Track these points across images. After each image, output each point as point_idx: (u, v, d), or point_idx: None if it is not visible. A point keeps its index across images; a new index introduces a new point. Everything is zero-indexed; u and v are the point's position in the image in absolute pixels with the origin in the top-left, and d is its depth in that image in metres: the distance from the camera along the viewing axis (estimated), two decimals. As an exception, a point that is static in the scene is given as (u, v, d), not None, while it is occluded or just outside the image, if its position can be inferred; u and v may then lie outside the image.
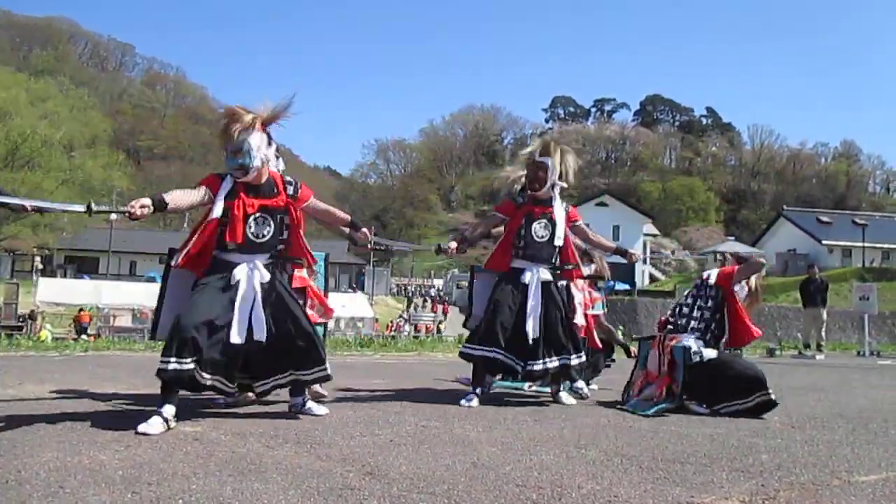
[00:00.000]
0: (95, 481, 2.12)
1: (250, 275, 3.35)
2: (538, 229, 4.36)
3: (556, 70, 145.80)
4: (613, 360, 5.98)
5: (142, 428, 2.90)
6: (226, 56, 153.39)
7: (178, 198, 3.25)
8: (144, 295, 21.44)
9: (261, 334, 3.31)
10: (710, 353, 4.17)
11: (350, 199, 77.23)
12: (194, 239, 3.31)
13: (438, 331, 31.05)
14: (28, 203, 3.66)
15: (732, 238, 55.45)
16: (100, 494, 1.98)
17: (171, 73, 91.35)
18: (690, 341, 4.19)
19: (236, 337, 3.23)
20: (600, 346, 5.55)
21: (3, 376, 5.27)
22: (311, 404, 3.61)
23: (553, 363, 4.29)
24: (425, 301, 46.52)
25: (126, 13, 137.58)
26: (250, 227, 3.37)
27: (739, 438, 3.21)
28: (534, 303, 4.28)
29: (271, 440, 2.87)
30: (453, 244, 4.50)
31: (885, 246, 48.52)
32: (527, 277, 4.31)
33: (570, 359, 4.32)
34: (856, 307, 15.81)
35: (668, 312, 4.59)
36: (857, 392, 6.00)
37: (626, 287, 36.01)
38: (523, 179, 4.50)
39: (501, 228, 4.54)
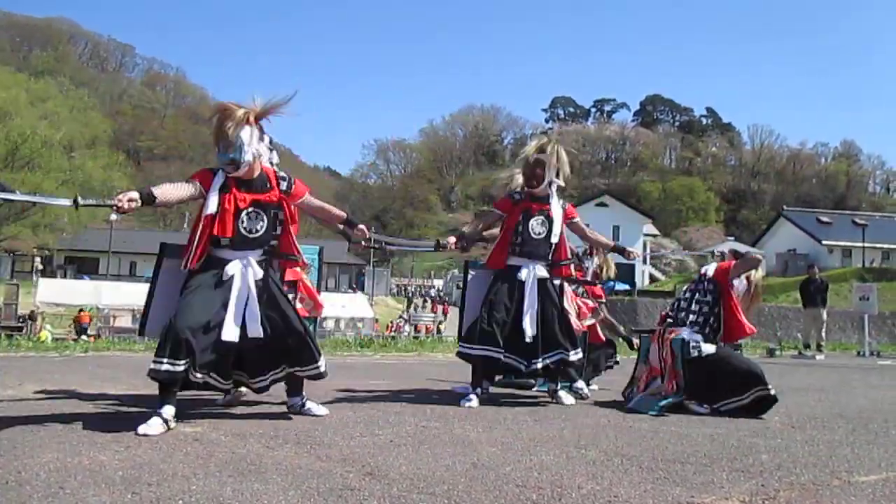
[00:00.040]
0: (95, 482, 2.12)
1: (244, 272, 3.34)
2: (535, 226, 4.36)
3: (555, 70, 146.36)
4: (617, 363, 5.92)
5: (142, 429, 2.90)
6: (226, 56, 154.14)
7: (167, 192, 3.23)
8: (144, 295, 21.28)
9: (256, 331, 3.30)
10: (708, 349, 4.17)
11: (350, 199, 77.27)
12: (196, 239, 3.30)
13: (438, 331, 31.03)
14: (17, 198, 3.67)
15: (732, 238, 55.45)
16: (100, 495, 1.98)
17: (171, 73, 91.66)
18: (686, 333, 4.20)
19: (230, 335, 3.22)
20: (602, 339, 5.56)
21: (3, 377, 5.27)
22: (310, 404, 3.60)
23: (551, 359, 4.28)
24: (425, 301, 46.58)
25: (126, 13, 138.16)
26: (243, 222, 3.34)
27: (739, 438, 3.21)
28: (530, 300, 4.28)
29: (271, 441, 2.86)
30: (452, 238, 4.50)
31: (885, 246, 48.55)
32: (523, 275, 4.31)
33: (567, 354, 4.30)
34: (856, 307, 15.83)
35: (668, 307, 4.61)
36: (858, 392, 6.00)
37: (626, 287, 35.98)
38: (520, 178, 4.51)
39: (496, 231, 4.55)
